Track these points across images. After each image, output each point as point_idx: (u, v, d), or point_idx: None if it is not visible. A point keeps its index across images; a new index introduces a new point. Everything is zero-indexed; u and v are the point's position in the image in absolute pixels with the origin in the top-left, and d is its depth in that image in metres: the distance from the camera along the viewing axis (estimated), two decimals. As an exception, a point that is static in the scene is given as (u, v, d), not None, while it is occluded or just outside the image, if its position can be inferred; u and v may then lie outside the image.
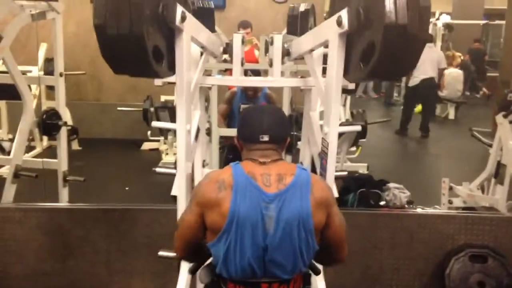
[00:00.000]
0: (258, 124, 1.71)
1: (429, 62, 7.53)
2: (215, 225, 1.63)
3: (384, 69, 1.57)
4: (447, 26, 10.53)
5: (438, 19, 10.31)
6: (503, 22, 8.65)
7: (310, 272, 1.85)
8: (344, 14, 1.52)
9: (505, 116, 3.92)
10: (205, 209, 1.65)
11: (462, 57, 10.53)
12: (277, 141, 1.71)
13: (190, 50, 1.79)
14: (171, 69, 1.79)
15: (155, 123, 2.39)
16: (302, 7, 3.01)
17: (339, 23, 1.53)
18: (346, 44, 1.70)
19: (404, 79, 8.24)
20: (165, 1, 1.56)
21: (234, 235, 1.60)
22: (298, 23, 2.89)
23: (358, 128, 3.86)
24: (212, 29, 2.61)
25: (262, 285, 1.66)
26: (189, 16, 1.61)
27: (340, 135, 3.83)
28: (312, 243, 1.65)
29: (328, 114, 1.89)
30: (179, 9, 1.49)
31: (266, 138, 1.68)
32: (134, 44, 1.51)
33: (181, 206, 1.96)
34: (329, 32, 1.72)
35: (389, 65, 1.55)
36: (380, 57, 1.51)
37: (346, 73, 1.79)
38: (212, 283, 1.75)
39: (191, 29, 1.71)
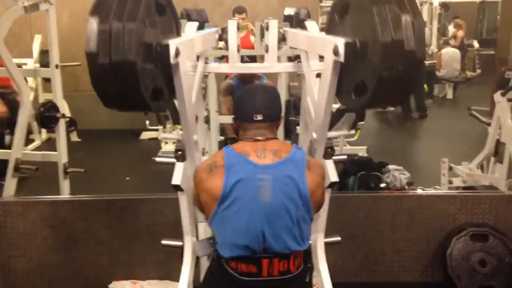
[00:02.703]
0: (252, 104, 1.78)
1: None
2: (210, 202, 1.68)
3: (375, 105, 1.64)
4: (444, 5, 10.44)
5: (434, -2, 10.22)
6: (499, -1, 8.59)
7: (310, 251, 1.91)
8: (341, 45, 1.48)
9: (503, 94, 3.91)
10: (199, 190, 1.73)
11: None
12: (270, 119, 1.78)
13: (187, 76, 1.76)
14: (169, 101, 1.80)
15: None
16: (298, 11, 3.03)
17: (336, 52, 1.50)
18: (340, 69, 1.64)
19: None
20: (158, 38, 1.56)
21: (230, 208, 1.64)
22: (294, 23, 2.87)
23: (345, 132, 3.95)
24: (204, 23, 2.58)
25: (262, 261, 1.70)
26: (182, 45, 1.55)
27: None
28: (309, 214, 1.71)
29: (317, 129, 1.89)
30: (173, 46, 1.47)
31: (260, 117, 1.75)
32: (127, 73, 1.51)
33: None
34: (325, 51, 1.64)
35: (380, 103, 1.68)
36: (371, 96, 1.56)
37: (338, 94, 1.79)
38: (214, 263, 1.78)
39: (186, 54, 1.66)
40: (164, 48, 1.45)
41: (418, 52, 1.54)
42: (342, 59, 1.48)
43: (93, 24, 1.50)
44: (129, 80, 1.52)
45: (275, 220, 1.65)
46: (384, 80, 1.54)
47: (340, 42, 1.49)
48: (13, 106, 4.23)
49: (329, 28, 1.84)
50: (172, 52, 1.45)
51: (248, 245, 1.67)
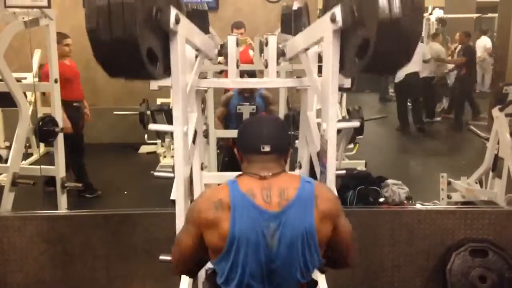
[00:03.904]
0: (258, 134, 1.63)
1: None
2: (215, 246, 1.57)
3: (380, 64, 1.56)
4: (440, 21, 10.53)
5: (431, 13, 10.31)
6: (496, 15, 8.67)
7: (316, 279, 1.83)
8: (338, 11, 1.52)
9: (501, 110, 3.93)
10: (203, 229, 1.58)
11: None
12: (278, 151, 1.63)
13: (185, 52, 1.79)
14: (166, 72, 1.77)
15: (152, 126, 2.31)
16: (295, 6, 3.03)
17: (333, 19, 1.53)
18: (341, 40, 1.69)
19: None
20: (159, 3, 1.54)
21: (236, 256, 1.54)
22: (292, 22, 2.90)
23: (356, 124, 3.78)
24: (206, 31, 2.60)
25: None
26: (183, 18, 1.60)
27: (338, 132, 3.81)
28: (317, 258, 1.60)
29: (325, 111, 1.87)
30: (173, 11, 1.47)
31: (267, 148, 1.60)
32: (128, 47, 1.47)
33: (180, 211, 1.95)
34: (323, 30, 1.71)
35: (384, 60, 1.53)
36: (374, 52, 1.49)
37: (342, 69, 1.79)
38: (210, 281, 1.73)
39: (185, 31, 1.70)
40: (164, 14, 1.40)
41: (415, 28, 1.49)
42: (340, 23, 1.48)
43: (92, 0, 1.48)
44: (131, 53, 1.48)
45: (281, 267, 1.57)
46: (385, 27, 1.47)
47: (336, 9, 1.50)
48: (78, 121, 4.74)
49: (325, 9, 1.85)
50: (172, 18, 1.42)
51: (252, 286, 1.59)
